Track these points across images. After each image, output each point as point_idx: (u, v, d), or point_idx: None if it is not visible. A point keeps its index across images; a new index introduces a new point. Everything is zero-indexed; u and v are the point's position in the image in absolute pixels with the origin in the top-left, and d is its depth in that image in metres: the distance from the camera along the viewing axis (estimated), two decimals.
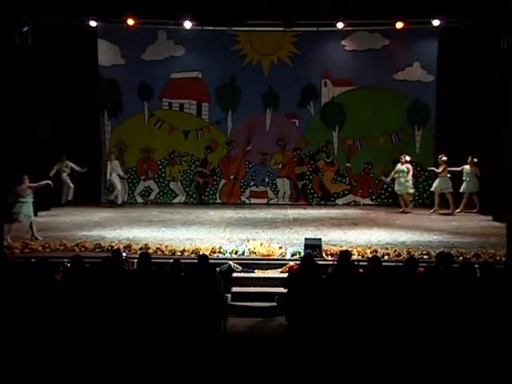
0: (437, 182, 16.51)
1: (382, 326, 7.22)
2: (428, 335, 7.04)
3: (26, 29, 15.50)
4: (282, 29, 17.95)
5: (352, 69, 18.28)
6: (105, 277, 8.08)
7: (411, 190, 16.83)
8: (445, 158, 16.29)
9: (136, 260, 9.33)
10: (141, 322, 7.31)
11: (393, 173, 16.83)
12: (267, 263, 11.32)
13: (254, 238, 12.71)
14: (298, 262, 10.10)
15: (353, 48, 18.25)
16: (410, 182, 16.71)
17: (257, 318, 10.02)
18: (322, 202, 18.55)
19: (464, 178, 16.33)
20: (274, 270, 11.14)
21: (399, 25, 17.05)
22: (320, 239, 11.93)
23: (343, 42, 18.26)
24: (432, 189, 16.81)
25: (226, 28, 17.95)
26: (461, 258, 11.16)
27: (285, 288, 8.82)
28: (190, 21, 17.26)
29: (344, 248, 10.91)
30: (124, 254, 10.15)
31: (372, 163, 18.50)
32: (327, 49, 18.36)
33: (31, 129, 15.72)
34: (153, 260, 9.05)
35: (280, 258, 11.53)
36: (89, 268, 8.47)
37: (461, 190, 16.42)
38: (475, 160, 16.21)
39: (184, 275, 8.41)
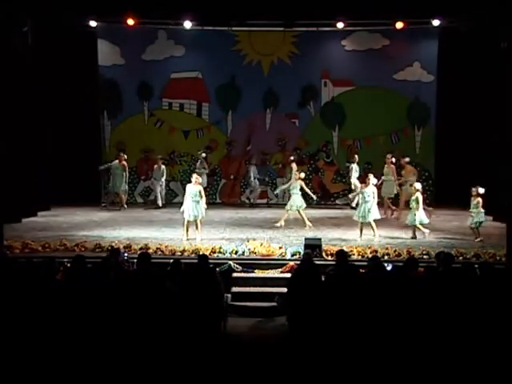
0: None
1: (383, 326, 7.22)
2: (428, 335, 7.03)
3: (26, 29, 15.51)
4: (282, 29, 17.98)
5: (352, 69, 18.29)
6: (105, 277, 8.07)
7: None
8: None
9: (136, 260, 9.32)
10: (141, 321, 7.30)
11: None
12: (267, 263, 11.33)
13: (254, 238, 12.72)
14: (298, 262, 10.11)
15: (353, 48, 18.28)
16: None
17: (257, 318, 10.02)
18: (322, 202, 18.55)
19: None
20: (274, 270, 11.15)
21: (399, 25, 17.08)
22: (320, 239, 11.94)
23: (343, 42, 18.28)
24: None
25: (226, 28, 17.95)
26: (461, 257, 11.19)
27: (287, 288, 8.81)
28: (190, 21, 17.28)
29: (344, 248, 10.91)
30: (125, 255, 10.15)
31: (372, 163, 18.49)
32: (327, 49, 18.38)
33: (31, 128, 15.71)
34: (153, 260, 9.05)
35: (280, 257, 11.54)
36: (89, 268, 8.46)
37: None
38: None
39: (184, 275, 8.41)
